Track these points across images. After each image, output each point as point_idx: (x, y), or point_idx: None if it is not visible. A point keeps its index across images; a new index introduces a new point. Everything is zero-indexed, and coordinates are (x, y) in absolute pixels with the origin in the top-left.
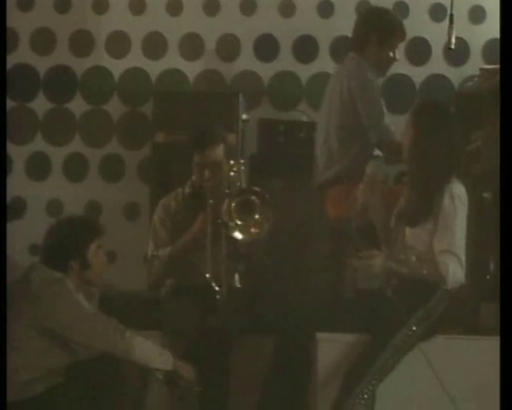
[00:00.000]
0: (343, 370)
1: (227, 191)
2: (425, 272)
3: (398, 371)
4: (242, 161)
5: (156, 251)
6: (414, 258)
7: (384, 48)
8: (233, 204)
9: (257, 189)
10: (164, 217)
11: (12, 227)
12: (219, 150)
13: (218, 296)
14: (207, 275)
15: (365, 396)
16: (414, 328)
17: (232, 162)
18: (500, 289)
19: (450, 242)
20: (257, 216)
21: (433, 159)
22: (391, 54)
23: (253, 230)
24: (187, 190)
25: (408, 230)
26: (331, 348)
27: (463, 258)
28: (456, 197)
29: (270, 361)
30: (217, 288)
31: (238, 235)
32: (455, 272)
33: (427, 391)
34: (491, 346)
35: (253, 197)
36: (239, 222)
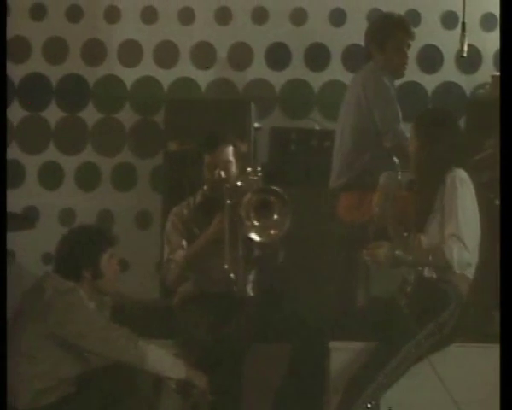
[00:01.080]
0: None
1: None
2: (431, 258)
3: (403, 380)
4: (259, 169)
5: (172, 254)
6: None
7: (388, 51)
8: (252, 201)
9: (276, 189)
10: (177, 222)
11: (25, 236)
12: (229, 151)
13: (234, 288)
14: (225, 266)
15: (368, 405)
16: (423, 341)
17: (249, 170)
18: (500, 295)
19: (454, 225)
20: (276, 217)
21: (436, 164)
22: (400, 54)
23: (272, 231)
24: (198, 198)
25: (422, 236)
26: (344, 356)
27: (469, 241)
28: (457, 179)
29: (283, 370)
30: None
31: (256, 237)
32: (460, 254)
33: (435, 400)
34: None
35: (272, 197)
36: (256, 223)
